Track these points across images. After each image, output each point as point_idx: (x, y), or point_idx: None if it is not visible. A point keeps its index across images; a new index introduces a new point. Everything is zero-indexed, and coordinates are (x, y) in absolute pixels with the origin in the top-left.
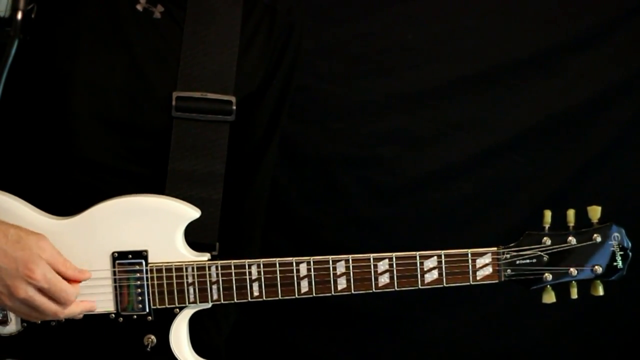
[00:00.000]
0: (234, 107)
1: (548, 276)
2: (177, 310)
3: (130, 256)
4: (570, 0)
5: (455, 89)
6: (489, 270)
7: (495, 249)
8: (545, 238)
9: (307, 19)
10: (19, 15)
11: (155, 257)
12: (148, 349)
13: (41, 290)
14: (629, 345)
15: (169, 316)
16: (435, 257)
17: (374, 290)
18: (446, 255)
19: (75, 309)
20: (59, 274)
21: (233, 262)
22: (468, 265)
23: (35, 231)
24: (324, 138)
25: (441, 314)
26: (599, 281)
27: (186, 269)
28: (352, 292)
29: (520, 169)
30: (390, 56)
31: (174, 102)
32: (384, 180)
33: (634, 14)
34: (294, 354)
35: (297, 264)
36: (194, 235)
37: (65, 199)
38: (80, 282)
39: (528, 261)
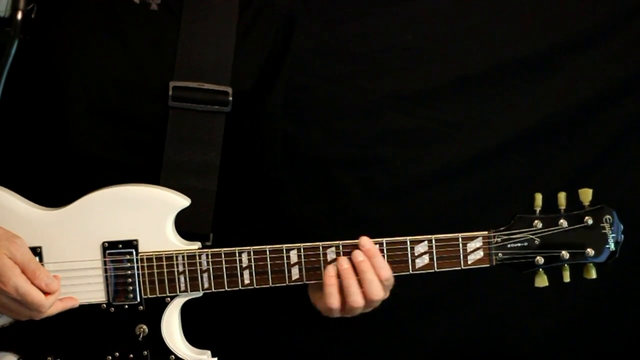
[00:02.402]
0: (230, 98)
1: (540, 260)
2: (169, 299)
3: (120, 246)
4: (570, 0)
5: (455, 89)
6: (480, 254)
7: (486, 232)
8: (536, 221)
9: (306, 19)
10: (19, 15)
11: (146, 247)
12: (140, 339)
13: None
14: (629, 345)
15: (160, 305)
16: (426, 242)
17: None
18: (437, 240)
19: (53, 311)
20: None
21: (223, 250)
22: (459, 250)
23: (8, 233)
24: (324, 138)
25: (441, 314)
26: (591, 264)
27: (176, 257)
28: None
29: (520, 169)
30: (390, 56)
31: (170, 92)
32: (384, 180)
33: (634, 14)
34: (293, 354)
35: (288, 250)
36: (188, 226)
37: (62, 191)
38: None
39: (519, 244)
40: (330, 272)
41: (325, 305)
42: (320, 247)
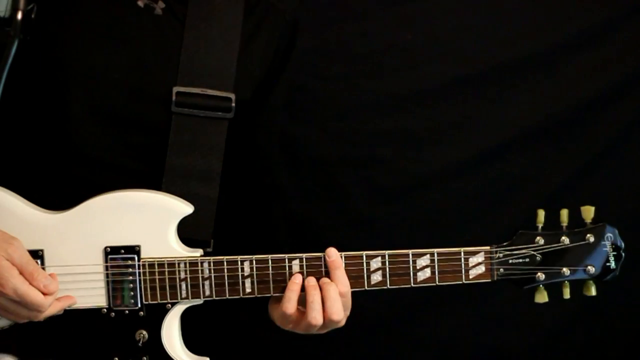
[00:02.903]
0: (233, 104)
1: (541, 276)
2: (169, 305)
3: (122, 251)
4: (570, 0)
5: (455, 89)
6: (481, 269)
7: (488, 247)
8: (538, 237)
9: (307, 19)
10: (19, 15)
11: (148, 253)
12: (139, 344)
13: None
14: (629, 345)
15: (161, 312)
16: (428, 256)
17: (366, 288)
18: (439, 254)
19: (51, 311)
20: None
21: (225, 258)
22: (461, 264)
23: (6, 234)
24: (324, 138)
25: (441, 315)
26: (591, 281)
27: (178, 264)
28: None
29: (520, 169)
30: (390, 56)
31: (174, 97)
32: (384, 180)
33: (634, 14)
34: (293, 354)
35: (290, 260)
36: (189, 232)
37: (63, 194)
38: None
39: (521, 260)
40: (296, 279)
41: (280, 310)
42: (323, 258)
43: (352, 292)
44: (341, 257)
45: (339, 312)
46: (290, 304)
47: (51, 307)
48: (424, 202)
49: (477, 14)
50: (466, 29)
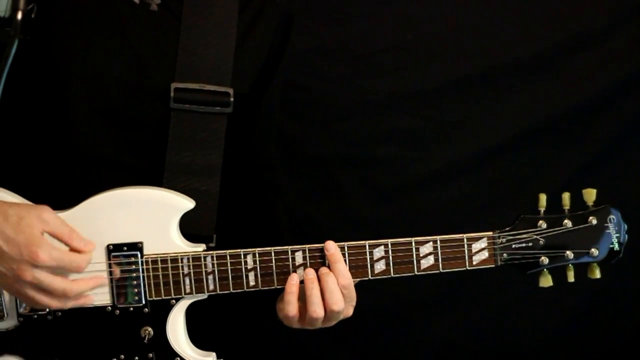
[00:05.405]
0: (232, 99)
1: (544, 260)
2: (174, 301)
3: (125, 248)
4: (571, 0)
5: (455, 89)
6: (484, 254)
7: (491, 233)
8: (540, 221)
9: (306, 19)
10: (19, 15)
11: (151, 249)
12: (145, 341)
13: (49, 269)
14: (629, 345)
15: (165, 308)
16: (431, 243)
17: (370, 277)
18: (442, 241)
19: (85, 287)
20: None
21: (228, 252)
22: (464, 250)
23: (35, 205)
24: (324, 138)
25: (441, 314)
26: (596, 264)
27: (181, 259)
28: None
29: (520, 169)
30: (390, 56)
31: (172, 94)
32: (384, 180)
33: (634, 14)
34: (297, 355)
35: (293, 252)
36: (192, 228)
37: (64, 193)
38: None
39: (524, 245)
40: (292, 280)
41: (283, 314)
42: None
43: (355, 291)
44: (344, 247)
45: (339, 303)
46: (291, 307)
47: (84, 284)
48: (424, 202)
49: (477, 14)
50: (466, 29)
